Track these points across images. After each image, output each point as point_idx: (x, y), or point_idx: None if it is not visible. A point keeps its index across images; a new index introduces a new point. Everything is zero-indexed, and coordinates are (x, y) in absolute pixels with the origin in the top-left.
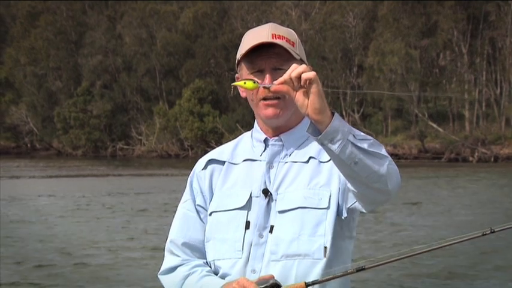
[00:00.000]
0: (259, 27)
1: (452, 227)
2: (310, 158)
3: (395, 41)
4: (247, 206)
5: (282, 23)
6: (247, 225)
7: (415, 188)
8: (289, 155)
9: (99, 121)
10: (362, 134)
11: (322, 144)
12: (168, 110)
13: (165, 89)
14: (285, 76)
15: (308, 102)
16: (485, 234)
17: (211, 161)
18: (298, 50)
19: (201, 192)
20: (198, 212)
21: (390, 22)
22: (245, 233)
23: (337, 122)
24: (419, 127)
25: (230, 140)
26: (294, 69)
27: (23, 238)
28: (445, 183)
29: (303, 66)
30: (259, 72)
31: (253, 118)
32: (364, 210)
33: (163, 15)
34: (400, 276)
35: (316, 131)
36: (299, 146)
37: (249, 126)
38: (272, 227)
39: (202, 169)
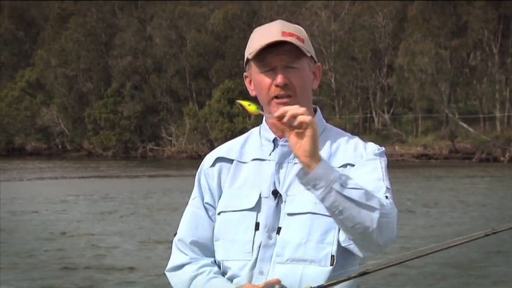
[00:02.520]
0: (267, 24)
1: (469, 226)
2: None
3: (425, 41)
4: (256, 207)
5: (311, 24)
6: (257, 226)
7: (440, 188)
8: None
9: (130, 122)
10: (354, 183)
11: (306, 187)
12: (198, 111)
13: (195, 89)
14: (282, 111)
15: (300, 144)
16: (488, 235)
17: (219, 159)
18: (308, 47)
19: (209, 189)
20: (206, 209)
21: (420, 22)
22: (255, 235)
23: (321, 170)
24: (450, 127)
25: None
26: (292, 109)
27: (55, 239)
28: (473, 183)
29: (302, 109)
30: (271, 70)
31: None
32: (360, 255)
33: (193, 16)
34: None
35: (302, 173)
36: None
37: None
38: (279, 228)
39: (211, 166)
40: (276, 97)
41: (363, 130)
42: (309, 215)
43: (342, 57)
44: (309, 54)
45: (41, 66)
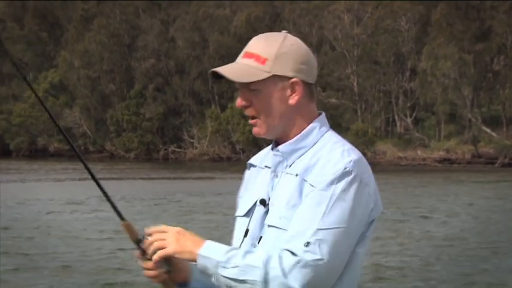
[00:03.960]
0: (252, 39)
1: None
2: (297, 174)
3: (449, 45)
4: (248, 214)
5: (334, 28)
6: (246, 233)
7: (461, 193)
8: (290, 166)
9: (152, 124)
10: (234, 261)
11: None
12: (220, 113)
13: (217, 92)
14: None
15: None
16: None
17: (250, 165)
18: (270, 66)
19: (244, 190)
20: None
21: (443, 27)
22: (243, 241)
23: (202, 260)
24: (473, 132)
25: None
26: (152, 247)
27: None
28: (495, 188)
29: (157, 244)
30: (239, 89)
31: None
32: None
33: (216, 18)
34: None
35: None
36: (300, 157)
37: None
38: (261, 238)
39: (247, 169)
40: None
41: (385, 134)
42: (275, 229)
43: (364, 61)
44: (263, 76)
45: (64, 68)
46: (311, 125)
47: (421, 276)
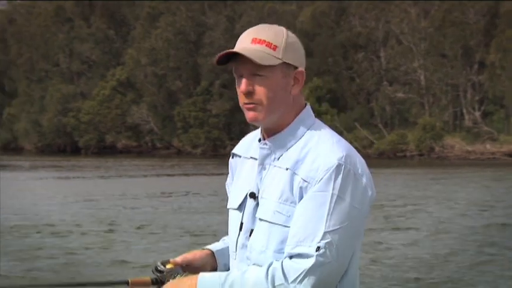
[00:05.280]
0: (249, 29)
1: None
2: (287, 168)
3: None
4: (241, 207)
5: (401, 21)
6: (241, 226)
7: None
8: (278, 159)
9: (218, 120)
10: (230, 280)
11: None
12: None
13: None
14: None
15: None
16: None
17: (233, 155)
18: (281, 53)
19: (231, 177)
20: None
21: None
22: (239, 235)
23: None
24: None
25: (348, 140)
26: None
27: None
28: None
29: None
30: (241, 77)
31: (372, 116)
32: None
33: (281, 14)
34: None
35: None
36: (287, 150)
37: (367, 125)
38: (252, 231)
39: (232, 158)
40: (245, 103)
41: (453, 128)
42: (268, 223)
43: (432, 55)
44: (277, 62)
45: (131, 65)
46: (298, 117)
47: None
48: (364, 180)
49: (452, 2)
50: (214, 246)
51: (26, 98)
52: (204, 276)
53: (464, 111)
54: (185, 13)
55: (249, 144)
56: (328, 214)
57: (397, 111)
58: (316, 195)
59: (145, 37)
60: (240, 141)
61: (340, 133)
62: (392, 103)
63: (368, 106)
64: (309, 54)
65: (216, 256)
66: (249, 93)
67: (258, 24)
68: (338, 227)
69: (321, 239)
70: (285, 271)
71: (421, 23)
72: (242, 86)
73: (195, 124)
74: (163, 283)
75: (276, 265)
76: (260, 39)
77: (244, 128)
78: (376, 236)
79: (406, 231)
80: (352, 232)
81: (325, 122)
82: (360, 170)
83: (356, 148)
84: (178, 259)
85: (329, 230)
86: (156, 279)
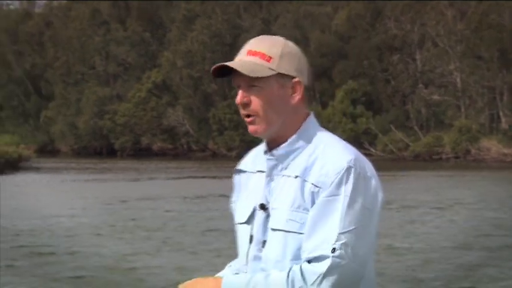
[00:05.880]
0: (249, 40)
1: None
2: (297, 175)
3: None
4: (250, 221)
5: (437, 24)
6: (251, 239)
7: None
8: (285, 168)
9: None
10: (253, 282)
11: None
12: (322, 111)
13: (318, 89)
14: None
15: None
16: None
17: (238, 171)
18: (275, 64)
19: (239, 191)
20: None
21: None
22: (249, 248)
23: None
24: None
25: (383, 142)
26: None
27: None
28: None
29: None
30: (239, 87)
31: (407, 119)
32: None
33: (317, 16)
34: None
35: None
36: (295, 158)
37: (402, 127)
38: (264, 242)
39: (237, 174)
40: (245, 116)
41: (489, 130)
42: (282, 232)
43: (468, 57)
44: (271, 73)
45: (167, 68)
46: (303, 125)
47: None
48: (373, 182)
49: (489, 3)
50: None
51: (63, 100)
52: (228, 277)
53: (501, 113)
54: (221, 16)
55: (254, 159)
56: (341, 216)
57: (433, 114)
58: (328, 200)
59: (181, 40)
60: (244, 158)
61: (375, 136)
62: (427, 105)
63: (403, 108)
64: (343, 56)
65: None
66: (245, 105)
67: (293, 26)
68: (352, 227)
69: (336, 241)
70: (304, 274)
71: (457, 25)
72: (237, 97)
73: (230, 126)
74: None
75: (295, 269)
76: (255, 51)
77: None
78: (394, 240)
79: (431, 235)
80: (366, 233)
81: (361, 125)
82: (368, 173)
83: (391, 151)
84: None
85: (343, 231)
86: None
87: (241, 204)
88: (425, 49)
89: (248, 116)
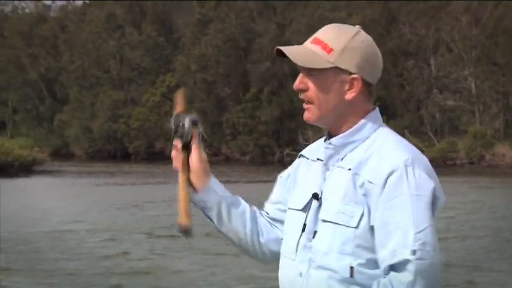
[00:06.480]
0: (324, 27)
1: None
2: (350, 168)
3: None
4: (306, 209)
5: (451, 29)
6: (304, 227)
7: None
8: (341, 160)
9: (267, 127)
10: None
11: None
12: None
13: None
14: None
15: None
16: None
17: (301, 156)
18: (334, 57)
19: (290, 177)
20: (281, 186)
21: None
22: (301, 236)
23: None
24: None
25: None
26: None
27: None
28: None
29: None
30: (300, 71)
31: (422, 124)
32: None
33: (331, 21)
34: None
35: None
36: (352, 151)
37: (416, 132)
38: (315, 232)
39: (298, 158)
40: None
41: (503, 136)
42: (332, 224)
43: (483, 63)
44: (323, 66)
45: (181, 72)
46: (364, 119)
47: None
48: (433, 180)
49: (505, 9)
50: (218, 183)
51: (77, 104)
52: None
53: None
54: (235, 20)
55: (317, 148)
56: (412, 215)
57: (447, 119)
58: (394, 202)
59: (195, 44)
60: (307, 148)
61: None
62: (442, 111)
63: (418, 114)
64: None
65: (210, 181)
66: (301, 91)
67: (307, 31)
68: (426, 225)
69: (415, 242)
70: (394, 285)
71: (472, 31)
72: (295, 82)
73: (243, 131)
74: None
75: (385, 281)
76: (319, 40)
77: (293, 136)
78: None
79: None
80: (434, 227)
81: None
82: (427, 171)
83: None
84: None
85: (419, 230)
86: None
87: (299, 191)
88: (440, 54)
89: (304, 102)
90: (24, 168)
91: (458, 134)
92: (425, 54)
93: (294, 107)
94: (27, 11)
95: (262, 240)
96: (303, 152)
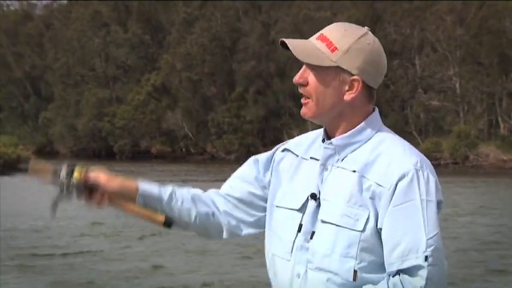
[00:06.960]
0: (333, 24)
1: None
2: (354, 170)
3: None
4: (302, 209)
5: (436, 29)
6: (300, 228)
7: None
8: (342, 160)
9: (252, 126)
10: None
11: None
12: None
13: None
14: None
15: None
16: None
17: (286, 150)
18: (337, 56)
19: (269, 167)
20: (257, 172)
21: None
22: (296, 236)
23: None
24: None
25: None
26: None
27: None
28: None
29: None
30: (302, 65)
31: (406, 124)
32: None
33: (316, 21)
34: None
35: None
36: (353, 151)
37: (401, 132)
38: (313, 233)
39: (282, 151)
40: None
41: (487, 136)
42: (334, 226)
43: (467, 63)
44: (325, 64)
45: (166, 70)
46: (366, 119)
47: None
48: (438, 184)
49: (489, 9)
50: (147, 188)
51: (62, 102)
52: None
53: (500, 119)
54: (220, 19)
55: (309, 145)
56: (424, 220)
57: (432, 119)
58: (404, 207)
59: (181, 42)
60: (296, 139)
61: None
62: (427, 111)
63: (402, 113)
64: None
65: (138, 196)
66: (301, 85)
67: (292, 30)
68: (437, 231)
69: (426, 248)
70: (405, 287)
71: (456, 31)
72: (296, 76)
73: (229, 130)
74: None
75: (395, 281)
76: (325, 37)
77: (279, 135)
78: None
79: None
80: (441, 232)
81: None
82: (433, 175)
83: None
84: (92, 174)
85: (430, 236)
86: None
87: (290, 189)
88: (424, 54)
89: (303, 96)
90: (9, 166)
91: (442, 134)
92: (410, 54)
93: (279, 107)
94: (12, 8)
95: (214, 221)
96: (288, 146)
